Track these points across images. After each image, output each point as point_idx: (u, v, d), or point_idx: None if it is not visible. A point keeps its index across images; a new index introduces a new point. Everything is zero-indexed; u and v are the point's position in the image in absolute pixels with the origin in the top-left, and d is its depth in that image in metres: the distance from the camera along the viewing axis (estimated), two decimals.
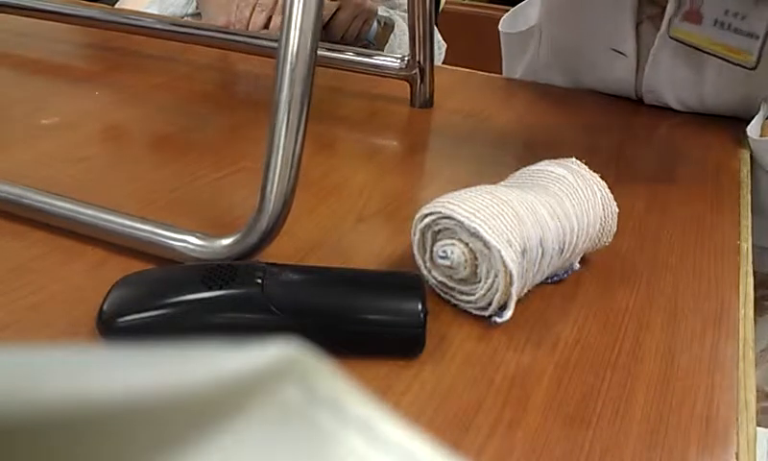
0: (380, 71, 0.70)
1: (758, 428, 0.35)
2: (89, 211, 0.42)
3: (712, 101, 0.69)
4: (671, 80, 0.69)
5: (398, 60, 0.68)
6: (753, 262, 0.47)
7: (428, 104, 0.69)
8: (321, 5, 0.37)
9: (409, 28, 0.65)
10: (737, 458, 0.31)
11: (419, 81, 0.67)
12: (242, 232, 0.39)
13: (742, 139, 0.66)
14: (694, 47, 0.63)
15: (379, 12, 1.02)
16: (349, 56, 0.71)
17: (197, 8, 1.03)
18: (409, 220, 0.39)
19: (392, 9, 1.10)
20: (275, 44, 0.73)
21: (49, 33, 0.84)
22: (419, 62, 0.66)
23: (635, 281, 0.42)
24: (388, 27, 1.04)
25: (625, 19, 0.69)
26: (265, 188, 0.38)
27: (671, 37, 0.64)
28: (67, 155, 0.54)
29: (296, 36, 0.37)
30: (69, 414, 0.08)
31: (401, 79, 0.68)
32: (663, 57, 0.68)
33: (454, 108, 0.70)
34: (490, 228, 0.35)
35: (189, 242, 0.39)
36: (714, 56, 0.62)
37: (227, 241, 0.39)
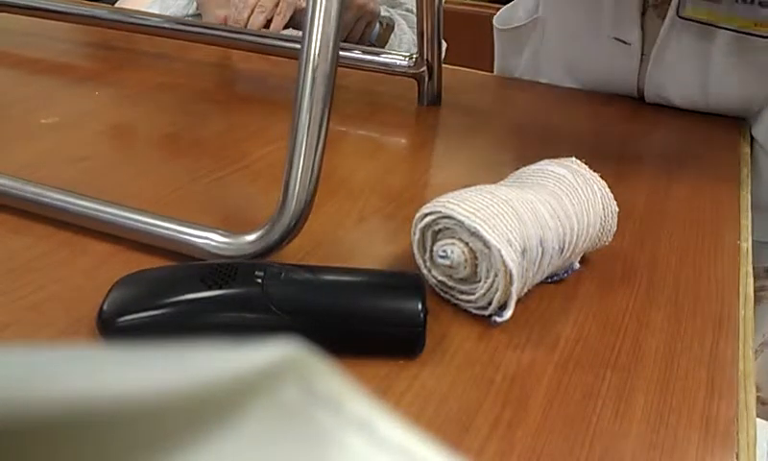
0: (388, 69, 0.70)
1: (757, 420, 0.35)
2: (108, 209, 0.42)
3: (715, 97, 0.69)
4: (676, 74, 0.69)
5: (407, 58, 0.68)
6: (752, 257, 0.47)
7: (436, 101, 0.69)
8: (342, 5, 0.37)
9: (417, 26, 0.65)
10: (737, 458, 0.31)
11: (426, 78, 0.68)
12: (264, 230, 0.39)
13: (740, 140, 0.66)
14: (707, 24, 0.63)
15: (380, 13, 1.02)
16: (358, 54, 0.71)
17: (197, 9, 1.03)
18: (409, 220, 0.39)
19: (392, 7, 1.09)
20: (280, 43, 0.74)
21: (50, 32, 0.84)
22: (427, 60, 0.66)
23: (635, 281, 0.42)
24: (389, 28, 1.04)
25: (630, 7, 0.68)
26: (288, 186, 0.38)
27: (681, 18, 0.63)
28: (68, 154, 0.54)
29: (317, 37, 0.37)
30: (69, 414, 0.08)
31: (409, 76, 0.69)
32: (669, 50, 0.68)
33: (456, 107, 0.70)
34: (490, 227, 0.35)
35: (212, 239, 0.39)
36: (732, 30, 0.62)
37: (250, 238, 0.39)
